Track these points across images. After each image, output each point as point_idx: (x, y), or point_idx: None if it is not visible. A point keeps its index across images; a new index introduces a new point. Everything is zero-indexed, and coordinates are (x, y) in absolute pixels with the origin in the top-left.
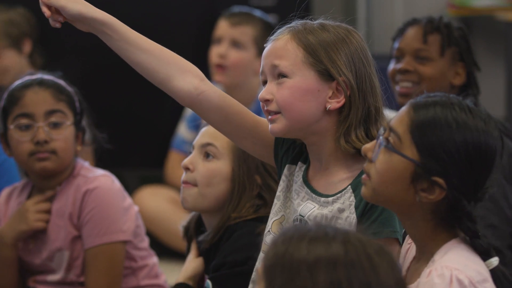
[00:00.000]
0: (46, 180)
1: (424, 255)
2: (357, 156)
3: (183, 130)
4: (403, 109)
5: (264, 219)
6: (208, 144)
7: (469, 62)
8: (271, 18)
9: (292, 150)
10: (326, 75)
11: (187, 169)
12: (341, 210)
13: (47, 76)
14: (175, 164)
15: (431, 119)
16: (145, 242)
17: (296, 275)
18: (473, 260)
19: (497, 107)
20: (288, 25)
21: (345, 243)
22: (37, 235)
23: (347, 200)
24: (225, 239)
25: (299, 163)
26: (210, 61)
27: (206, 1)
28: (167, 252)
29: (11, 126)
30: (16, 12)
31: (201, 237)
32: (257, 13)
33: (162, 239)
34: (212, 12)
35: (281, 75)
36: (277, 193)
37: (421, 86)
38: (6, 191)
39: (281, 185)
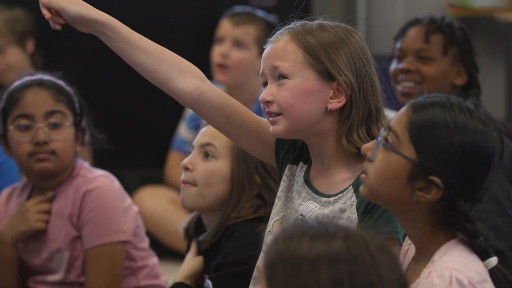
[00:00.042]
0: (46, 180)
1: (423, 256)
2: (359, 156)
3: (183, 130)
4: (403, 109)
5: (264, 219)
6: (208, 144)
7: (470, 63)
8: (272, 18)
9: (293, 150)
10: (327, 76)
11: (186, 169)
12: (342, 210)
13: (46, 77)
14: (175, 164)
15: (429, 119)
16: (145, 242)
17: (298, 272)
18: (473, 260)
19: (497, 108)
20: (287, 26)
21: (347, 240)
22: (37, 236)
23: (349, 200)
24: (225, 239)
25: (301, 163)
26: (212, 60)
27: (206, 1)
28: (167, 252)
29: (11, 127)
30: (19, 11)
31: (201, 237)
32: (260, 13)
33: (162, 240)
34: (212, 12)
35: (282, 76)
36: (278, 193)
37: (423, 86)
38: (6, 191)
39: (282, 185)
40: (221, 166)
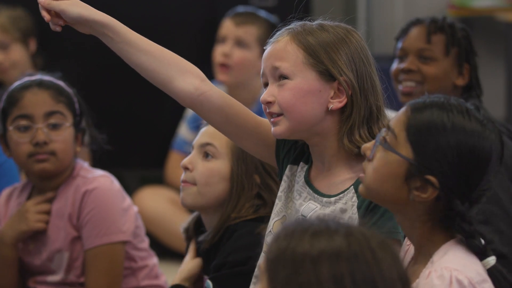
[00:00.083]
0: (46, 181)
1: (422, 256)
2: (360, 156)
3: (184, 130)
4: (402, 109)
5: (264, 219)
6: (207, 144)
7: (471, 63)
8: (274, 19)
9: (293, 150)
10: (327, 75)
11: (186, 168)
12: (343, 211)
13: (46, 77)
14: (175, 164)
15: (426, 120)
16: (145, 242)
17: (299, 269)
18: (472, 260)
19: (497, 108)
20: (287, 27)
21: (348, 236)
22: (37, 236)
23: (350, 200)
24: (225, 239)
25: (301, 163)
26: (213, 60)
27: (206, 2)
28: (167, 252)
29: (10, 128)
30: (23, 11)
31: (201, 237)
32: (262, 13)
33: (162, 240)
34: (212, 12)
35: (282, 77)
36: (279, 194)
37: (424, 85)
38: (6, 191)
39: (283, 185)
40: (220, 166)
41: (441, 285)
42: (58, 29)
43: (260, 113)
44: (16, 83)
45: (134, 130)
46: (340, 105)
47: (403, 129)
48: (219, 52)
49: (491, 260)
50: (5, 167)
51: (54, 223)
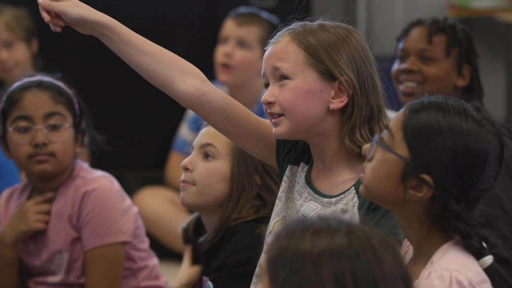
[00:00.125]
0: (46, 182)
1: (421, 257)
2: (361, 156)
3: (184, 131)
4: (401, 109)
5: (264, 220)
6: (208, 145)
7: (472, 64)
8: (276, 20)
9: (294, 150)
10: (328, 75)
11: (186, 169)
12: (344, 211)
13: (46, 78)
14: (176, 165)
15: (423, 120)
16: (145, 243)
17: (300, 268)
18: (472, 261)
19: (497, 108)
20: (288, 27)
21: (349, 235)
22: (37, 237)
23: (351, 201)
24: (225, 240)
25: (302, 163)
26: (215, 60)
27: (206, 2)
28: (168, 253)
29: (10, 129)
30: (26, 11)
31: (201, 238)
32: (264, 14)
33: (162, 241)
34: (213, 13)
35: (283, 77)
36: (279, 194)
37: (425, 86)
38: (6, 192)
39: (283, 185)
40: (221, 166)
41: (441, 285)
42: (58, 29)
43: (261, 114)
44: (16, 84)
45: (134, 131)
46: (341, 105)
47: (400, 128)
48: (221, 52)
49: (488, 259)
50: (5, 168)
51: (54, 224)
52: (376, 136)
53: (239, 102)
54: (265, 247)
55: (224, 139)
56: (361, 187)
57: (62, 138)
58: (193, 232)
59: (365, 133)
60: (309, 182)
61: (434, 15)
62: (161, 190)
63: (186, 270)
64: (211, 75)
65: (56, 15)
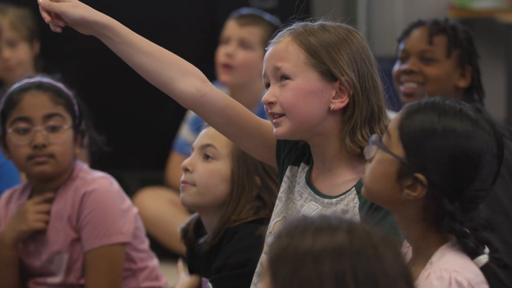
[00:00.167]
0: (45, 183)
1: (420, 257)
2: (362, 157)
3: (185, 132)
4: (400, 110)
5: (264, 221)
6: (208, 145)
7: (473, 65)
8: (278, 21)
9: (294, 151)
10: (329, 76)
11: (186, 170)
12: (344, 212)
13: (45, 79)
14: (177, 166)
15: (418, 120)
16: (145, 244)
17: (301, 266)
18: (471, 262)
19: (498, 109)
20: (289, 27)
21: (350, 233)
22: (37, 237)
23: (351, 201)
24: (225, 241)
25: (302, 164)
26: (216, 60)
27: (206, 4)
28: (168, 254)
29: (10, 130)
30: (29, 11)
31: (201, 239)
32: (267, 16)
33: (162, 241)
34: (213, 14)
35: (284, 77)
36: (279, 194)
37: (425, 87)
38: (6, 193)
39: (283, 186)
40: (221, 167)
41: (440, 286)
42: (58, 30)
43: (261, 115)
44: (15, 85)
45: (135, 132)
46: (342, 105)
47: (396, 128)
48: (223, 53)
49: (483, 258)
50: (5, 169)
51: (53, 225)
52: (373, 137)
53: (239, 103)
54: (265, 248)
55: (224, 140)
56: (362, 188)
57: (62, 139)
58: (193, 233)
59: (366, 133)
60: (309, 183)
61: (434, 15)
62: (161, 191)
63: (186, 280)
64: (211, 76)
65: (57, 16)
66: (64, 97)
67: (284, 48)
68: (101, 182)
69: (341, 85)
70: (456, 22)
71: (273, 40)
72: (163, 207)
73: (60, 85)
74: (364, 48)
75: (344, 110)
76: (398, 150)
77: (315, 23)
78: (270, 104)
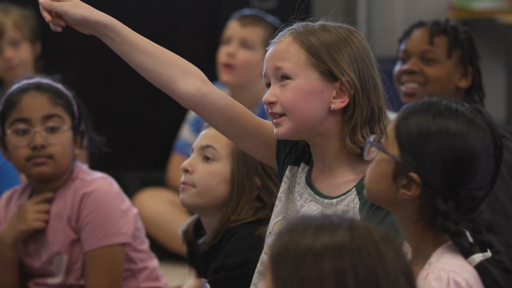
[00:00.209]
0: (45, 184)
1: (419, 258)
2: (362, 157)
3: (186, 132)
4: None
5: (263, 222)
6: (208, 146)
7: (474, 66)
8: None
9: (294, 151)
10: (329, 76)
11: (186, 171)
12: (345, 212)
13: (44, 80)
14: (177, 166)
15: (413, 120)
16: (145, 244)
17: (301, 265)
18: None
19: (498, 110)
20: (290, 27)
21: (351, 230)
22: (37, 237)
23: (352, 202)
24: (224, 242)
25: (302, 164)
26: (218, 60)
27: (207, 4)
28: (168, 255)
29: (9, 131)
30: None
31: (200, 240)
32: (269, 18)
33: (162, 242)
34: (214, 15)
35: (285, 77)
36: (279, 195)
37: (426, 87)
38: (6, 194)
39: (283, 186)
40: (221, 168)
41: (439, 286)
42: (59, 29)
43: (262, 115)
44: (15, 86)
45: (135, 132)
46: (342, 105)
47: (393, 128)
48: (224, 52)
49: (477, 257)
50: (4, 169)
51: (53, 226)
52: (370, 138)
53: (239, 103)
54: (265, 248)
55: (224, 141)
56: (364, 190)
57: (61, 140)
58: (193, 233)
59: (366, 133)
60: (309, 183)
61: (434, 16)
62: (161, 192)
63: (191, 280)
64: (211, 76)
65: (57, 15)
66: (63, 98)
67: (285, 48)
68: (101, 183)
69: (341, 85)
70: (456, 22)
71: (274, 40)
72: (163, 208)
73: (59, 86)
74: (364, 49)
75: (344, 110)
76: (394, 150)
77: (316, 23)
78: (271, 104)
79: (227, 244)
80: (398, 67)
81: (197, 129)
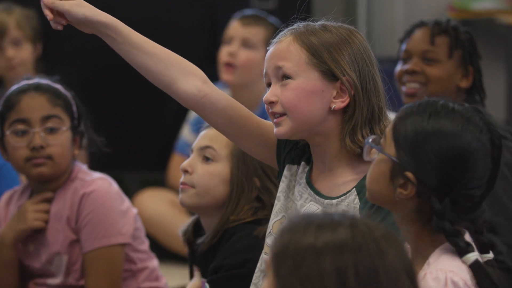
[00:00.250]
0: (44, 184)
1: (418, 258)
2: (362, 158)
3: (186, 133)
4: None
5: (262, 222)
6: (207, 147)
7: (475, 66)
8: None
9: (294, 150)
10: (330, 75)
11: (185, 171)
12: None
13: (43, 81)
14: (178, 167)
15: (409, 120)
16: (145, 244)
17: (302, 262)
18: None
19: (498, 110)
20: (290, 27)
21: (352, 228)
22: (37, 237)
23: (352, 202)
24: (223, 242)
25: (303, 163)
26: (219, 60)
27: (207, 4)
28: (168, 255)
29: (8, 132)
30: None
31: (200, 240)
32: (272, 19)
33: (163, 242)
34: (214, 15)
35: (285, 77)
36: (278, 194)
37: (427, 87)
38: (6, 195)
39: (281, 185)
40: (220, 168)
41: (437, 286)
42: (60, 28)
43: (263, 116)
44: (14, 87)
45: (135, 133)
46: (343, 105)
47: (391, 128)
48: (225, 52)
49: (471, 256)
50: (4, 170)
51: (52, 226)
52: (369, 138)
53: (240, 103)
54: (265, 248)
55: (224, 142)
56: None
57: (60, 141)
58: (192, 233)
59: (366, 133)
60: (309, 183)
61: (434, 16)
62: (161, 192)
63: (194, 280)
64: (212, 77)
65: (59, 14)
66: (62, 98)
67: (286, 47)
68: (100, 183)
69: (342, 85)
70: (457, 23)
71: (274, 40)
72: (163, 208)
73: (58, 86)
74: (365, 49)
75: (344, 110)
76: (391, 150)
77: (316, 23)
78: (271, 103)
79: (226, 244)
80: (399, 67)
81: (197, 129)
